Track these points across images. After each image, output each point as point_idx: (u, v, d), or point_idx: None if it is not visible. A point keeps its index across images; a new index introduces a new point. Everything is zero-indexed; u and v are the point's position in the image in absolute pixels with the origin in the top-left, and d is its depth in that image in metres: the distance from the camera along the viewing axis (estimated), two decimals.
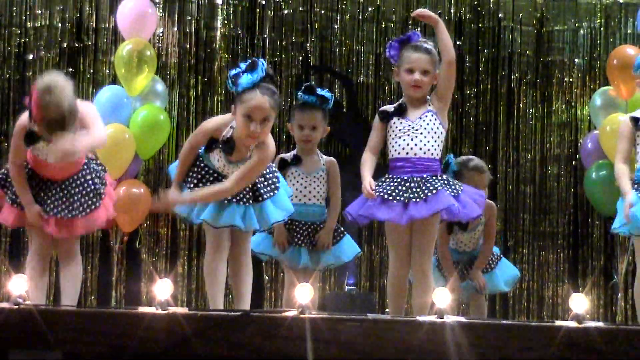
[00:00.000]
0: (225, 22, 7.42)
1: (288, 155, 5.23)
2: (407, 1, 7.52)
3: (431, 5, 7.46)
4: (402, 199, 4.56)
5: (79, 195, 4.61)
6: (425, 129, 4.66)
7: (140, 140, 6.36)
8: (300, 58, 7.46)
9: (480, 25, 7.55)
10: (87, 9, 7.26)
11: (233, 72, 4.47)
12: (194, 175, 4.56)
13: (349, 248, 5.27)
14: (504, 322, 3.87)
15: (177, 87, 7.26)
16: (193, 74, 7.26)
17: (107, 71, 7.04)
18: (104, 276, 6.88)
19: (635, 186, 4.78)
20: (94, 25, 7.26)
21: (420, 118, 4.67)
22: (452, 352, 3.49)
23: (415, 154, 4.65)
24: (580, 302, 3.72)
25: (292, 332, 3.50)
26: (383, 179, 4.67)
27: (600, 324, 3.74)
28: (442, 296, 3.73)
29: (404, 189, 4.59)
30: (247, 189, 4.53)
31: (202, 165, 4.58)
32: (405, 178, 4.61)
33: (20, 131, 4.50)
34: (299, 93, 5.23)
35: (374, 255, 7.35)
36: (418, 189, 4.57)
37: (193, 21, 7.29)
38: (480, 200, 4.78)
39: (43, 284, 4.68)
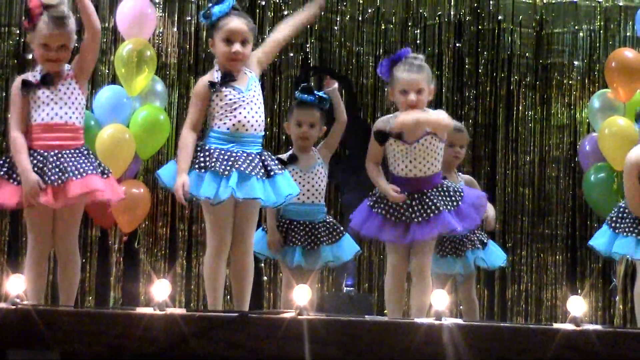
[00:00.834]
0: None
1: (284, 156, 5.23)
2: (407, 3, 7.51)
3: (431, 7, 7.47)
4: (404, 218, 4.61)
5: (73, 161, 4.55)
6: (424, 152, 4.67)
7: (140, 140, 6.35)
8: (300, 59, 7.46)
9: (479, 27, 7.54)
10: None
11: (203, 11, 4.62)
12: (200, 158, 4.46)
13: (348, 247, 5.28)
14: (502, 324, 3.88)
15: (177, 87, 7.25)
16: (193, 74, 7.25)
17: (107, 71, 7.02)
18: (103, 276, 6.87)
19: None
20: None
21: (419, 142, 4.67)
22: (450, 354, 3.49)
23: (415, 175, 4.68)
24: (578, 305, 3.73)
25: (290, 333, 3.50)
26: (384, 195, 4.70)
27: (599, 327, 3.75)
28: (440, 298, 3.74)
29: (405, 206, 4.64)
30: (260, 164, 4.46)
31: (205, 147, 4.49)
32: (406, 194, 4.65)
33: (16, 90, 4.56)
34: (296, 92, 5.25)
35: (373, 256, 7.34)
36: (420, 207, 4.61)
37: (193, 21, 7.27)
38: (482, 202, 4.81)
39: (41, 284, 4.66)
